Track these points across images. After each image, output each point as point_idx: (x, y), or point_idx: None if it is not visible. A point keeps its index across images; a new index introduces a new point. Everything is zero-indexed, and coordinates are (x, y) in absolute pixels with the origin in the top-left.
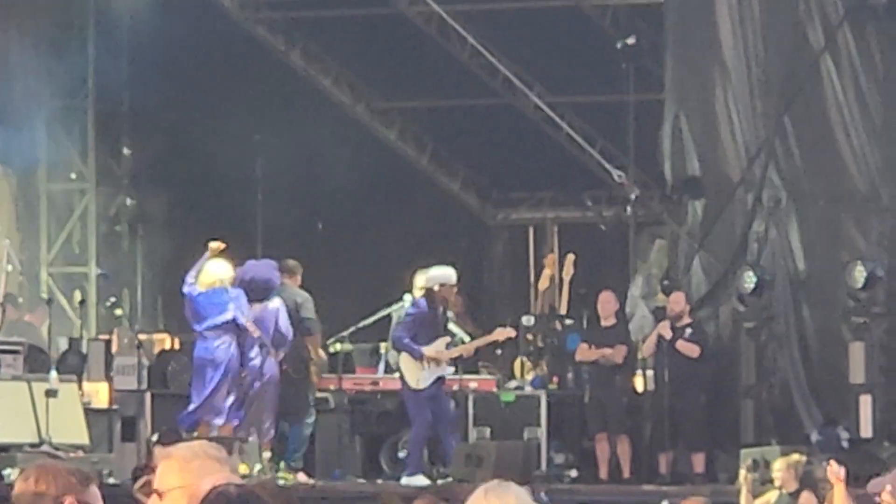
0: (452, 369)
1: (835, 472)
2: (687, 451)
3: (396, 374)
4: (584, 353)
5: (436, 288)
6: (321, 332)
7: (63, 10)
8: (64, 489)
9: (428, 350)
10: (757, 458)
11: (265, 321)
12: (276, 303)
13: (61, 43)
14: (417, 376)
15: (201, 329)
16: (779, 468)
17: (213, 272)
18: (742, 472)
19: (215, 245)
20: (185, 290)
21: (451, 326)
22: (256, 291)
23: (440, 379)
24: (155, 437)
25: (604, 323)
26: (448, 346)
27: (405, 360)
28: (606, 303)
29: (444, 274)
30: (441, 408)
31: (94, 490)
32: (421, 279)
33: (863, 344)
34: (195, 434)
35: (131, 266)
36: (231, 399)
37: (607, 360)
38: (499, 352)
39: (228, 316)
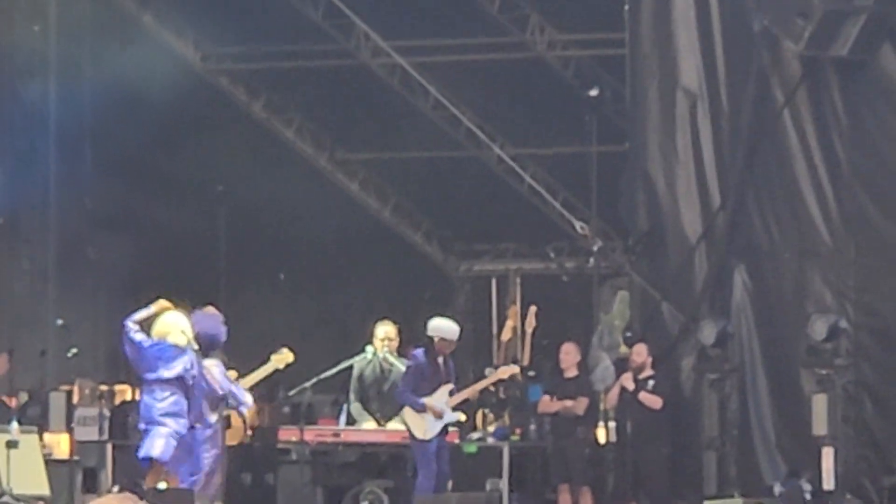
0: (459, 416)
1: None
2: (649, 503)
3: (358, 426)
4: (546, 405)
5: (436, 339)
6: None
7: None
8: None
9: (429, 401)
10: None
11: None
12: (211, 361)
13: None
14: (424, 427)
15: (150, 379)
16: None
17: (169, 324)
18: None
19: (164, 304)
20: (135, 337)
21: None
22: (201, 346)
23: (446, 427)
24: (116, 489)
25: (566, 374)
26: (450, 392)
27: (409, 413)
28: (568, 354)
29: (447, 328)
30: (442, 460)
31: None
32: (385, 331)
33: (826, 396)
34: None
35: (92, 316)
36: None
37: (569, 412)
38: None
39: (175, 372)
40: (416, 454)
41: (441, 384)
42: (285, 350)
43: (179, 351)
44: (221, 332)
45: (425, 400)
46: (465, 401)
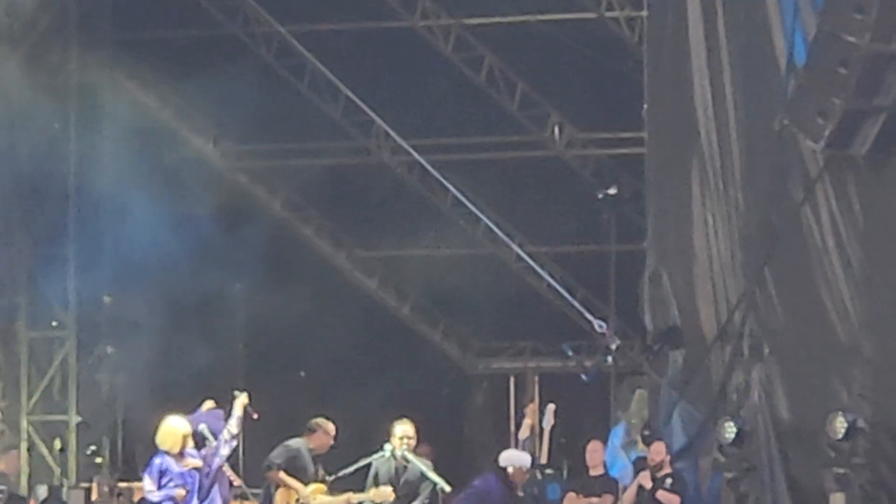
0: None
1: None
2: None
3: None
4: (573, 501)
5: (510, 469)
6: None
7: (43, 159)
8: None
9: None
10: None
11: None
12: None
13: (42, 188)
14: None
15: None
16: None
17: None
18: None
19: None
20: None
21: (430, 474)
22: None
23: None
24: None
25: (592, 472)
26: None
27: None
28: (594, 452)
29: (520, 457)
30: None
31: None
32: (404, 429)
33: (843, 495)
34: None
35: (111, 414)
36: None
37: None
38: None
39: None
40: None
41: None
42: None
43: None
44: (221, 427)
45: None
46: None
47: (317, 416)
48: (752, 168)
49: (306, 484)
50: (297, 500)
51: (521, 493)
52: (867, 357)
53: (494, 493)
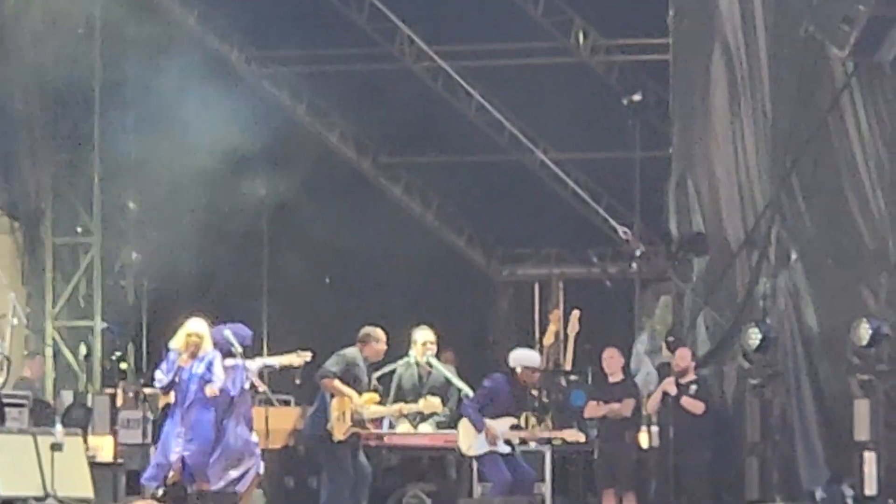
0: (508, 449)
1: None
2: None
3: (399, 429)
4: (593, 409)
5: (519, 369)
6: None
7: (69, 63)
8: None
9: (491, 424)
10: None
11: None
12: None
13: (67, 95)
14: (469, 443)
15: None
16: None
17: None
18: None
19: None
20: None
21: (454, 380)
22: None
23: (492, 454)
24: (160, 492)
25: (611, 379)
26: (512, 427)
27: (464, 425)
28: (612, 359)
29: (529, 357)
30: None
31: None
32: (425, 335)
33: (868, 401)
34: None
35: (136, 320)
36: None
37: (616, 415)
38: None
39: None
40: (485, 466)
41: (507, 414)
42: (307, 353)
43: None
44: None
45: (487, 422)
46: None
47: (339, 321)
48: (779, 75)
49: (360, 393)
50: (351, 408)
51: (535, 393)
52: (894, 263)
53: (503, 393)
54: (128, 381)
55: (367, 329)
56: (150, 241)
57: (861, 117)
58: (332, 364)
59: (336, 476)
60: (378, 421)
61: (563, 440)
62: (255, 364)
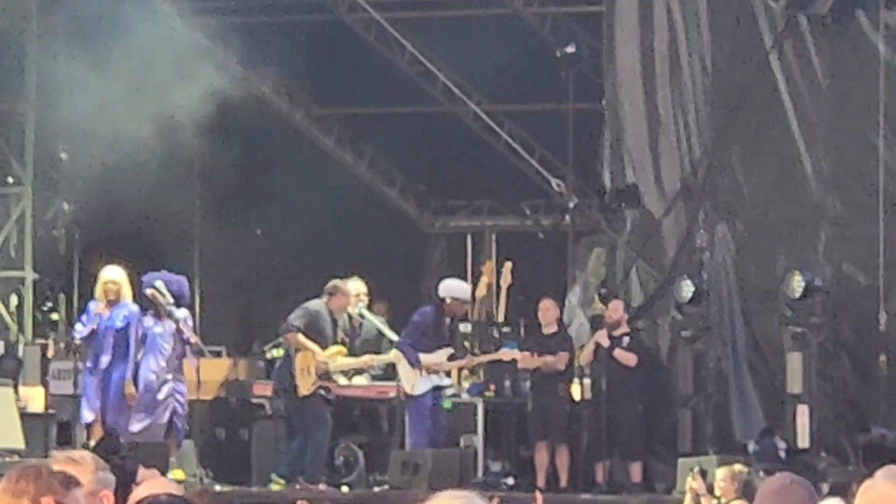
0: (449, 381)
1: None
2: (624, 461)
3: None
4: (527, 360)
5: (448, 300)
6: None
7: (1, 13)
8: (45, 489)
9: (427, 359)
10: (696, 467)
11: None
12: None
13: (1, 46)
14: (413, 381)
15: None
16: (722, 478)
17: None
18: (690, 480)
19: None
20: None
21: (386, 331)
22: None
23: (437, 389)
24: (93, 443)
25: (545, 330)
26: (449, 357)
27: (403, 367)
28: (547, 310)
29: (459, 288)
30: (438, 418)
31: (77, 493)
32: (357, 287)
33: (800, 354)
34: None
35: (68, 271)
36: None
37: (550, 368)
38: None
39: None
40: (407, 410)
41: (442, 346)
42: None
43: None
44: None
45: (423, 357)
46: (462, 369)
47: (270, 273)
48: (717, 28)
49: (325, 347)
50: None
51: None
52: (831, 215)
53: (434, 325)
54: (59, 332)
55: (336, 282)
56: (82, 191)
57: (797, 69)
58: (295, 318)
59: (313, 427)
60: None
61: (495, 392)
62: (181, 312)
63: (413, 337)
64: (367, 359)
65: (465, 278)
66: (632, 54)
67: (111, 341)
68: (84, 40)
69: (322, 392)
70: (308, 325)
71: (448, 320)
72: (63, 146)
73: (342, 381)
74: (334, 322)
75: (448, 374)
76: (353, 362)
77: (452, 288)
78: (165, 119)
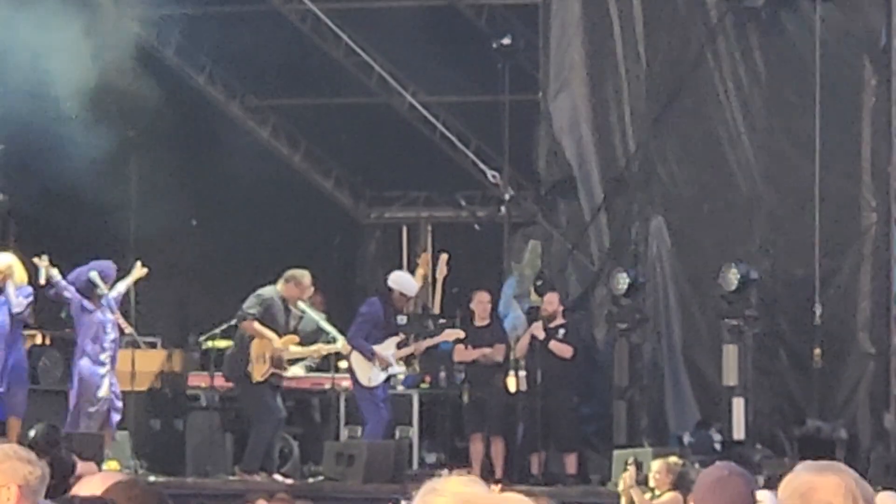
0: (402, 369)
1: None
2: (559, 452)
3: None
4: (462, 353)
5: (396, 293)
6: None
7: None
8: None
9: (379, 349)
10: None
11: None
12: None
13: None
14: (368, 374)
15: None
16: (657, 470)
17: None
18: (629, 472)
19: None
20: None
21: (325, 325)
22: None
23: (389, 378)
24: (32, 433)
25: (479, 323)
26: (399, 345)
27: (356, 358)
28: (482, 302)
29: (409, 284)
30: (388, 409)
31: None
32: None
33: (736, 346)
34: None
35: None
36: None
37: (488, 360)
38: None
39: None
40: (361, 403)
41: (391, 335)
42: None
43: None
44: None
45: (376, 348)
46: (410, 355)
47: (205, 264)
48: (652, 18)
49: (279, 335)
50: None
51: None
52: (767, 208)
53: (382, 314)
54: None
55: (294, 271)
56: (15, 182)
57: (736, 62)
58: (250, 306)
59: (260, 416)
60: None
61: (430, 384)
62: (114, 293)
63: (364, 329)
64: (316, 348)
65: (400, 269)
66: (567, 46)
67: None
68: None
69: (272, 380)
70: (262, 312)
71: (393, 311)
72: None
73: (292, 370)
74: (287, 310)
75: (400, 361)
76: (304, 351)
77: (403, 283)
78: (95, 108)
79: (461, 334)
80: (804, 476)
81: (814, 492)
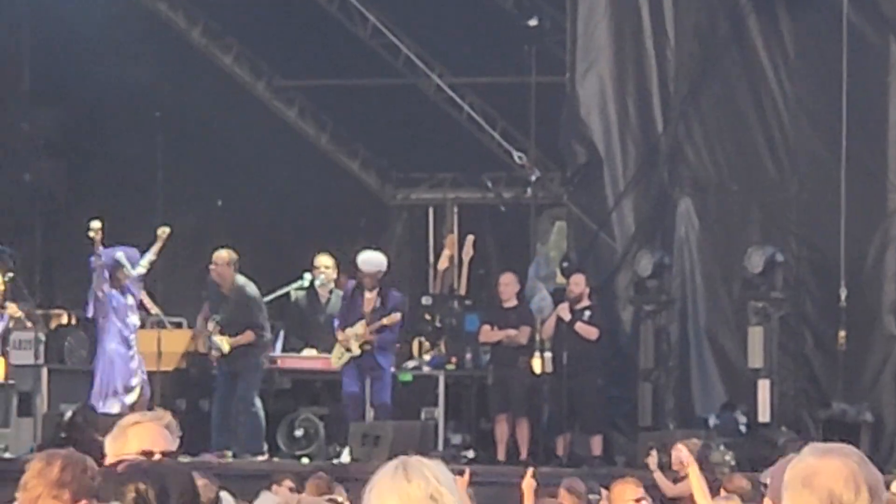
0: (358, 352)
1: (681, 457)
2: (584, 434)
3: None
4: (488, 334)
5: (361, 273)
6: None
7: None
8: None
9: (340, 332)
10: (656, 441)
11: None
12: None
13: None
14: (336, 356)
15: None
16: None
17: None
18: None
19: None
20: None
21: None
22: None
23: (375, 360)
24: (69, 414)
25: (505, 304)
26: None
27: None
28: (508, 284)
29: (363, 260)
30: (378, 391)
31: None
32: (323, 261)
33: (761, 328)
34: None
35: (30, 240)
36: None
37: (512, 341)
38: None
39: None
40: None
41: (360, 318)
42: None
43: None
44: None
45: (337, 331)
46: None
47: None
48: (681, 1)
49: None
50: None
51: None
52: (794, 191)
53: (355, 297)
54: (20, 301)
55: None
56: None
57: (760, 42)
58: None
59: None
60: (272, 344)
61: (456, 365)
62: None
63: (343, 313)
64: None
65: (427, 251)
66: (595, 28)
67: None
68: (42, 7)
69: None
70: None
71: (376, 291)
72: (24, 116)
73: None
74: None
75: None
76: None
77: (359, 260)
78: (126, 89)
79: (397, 318)
80: (808, 459)
81: (815, 476)
